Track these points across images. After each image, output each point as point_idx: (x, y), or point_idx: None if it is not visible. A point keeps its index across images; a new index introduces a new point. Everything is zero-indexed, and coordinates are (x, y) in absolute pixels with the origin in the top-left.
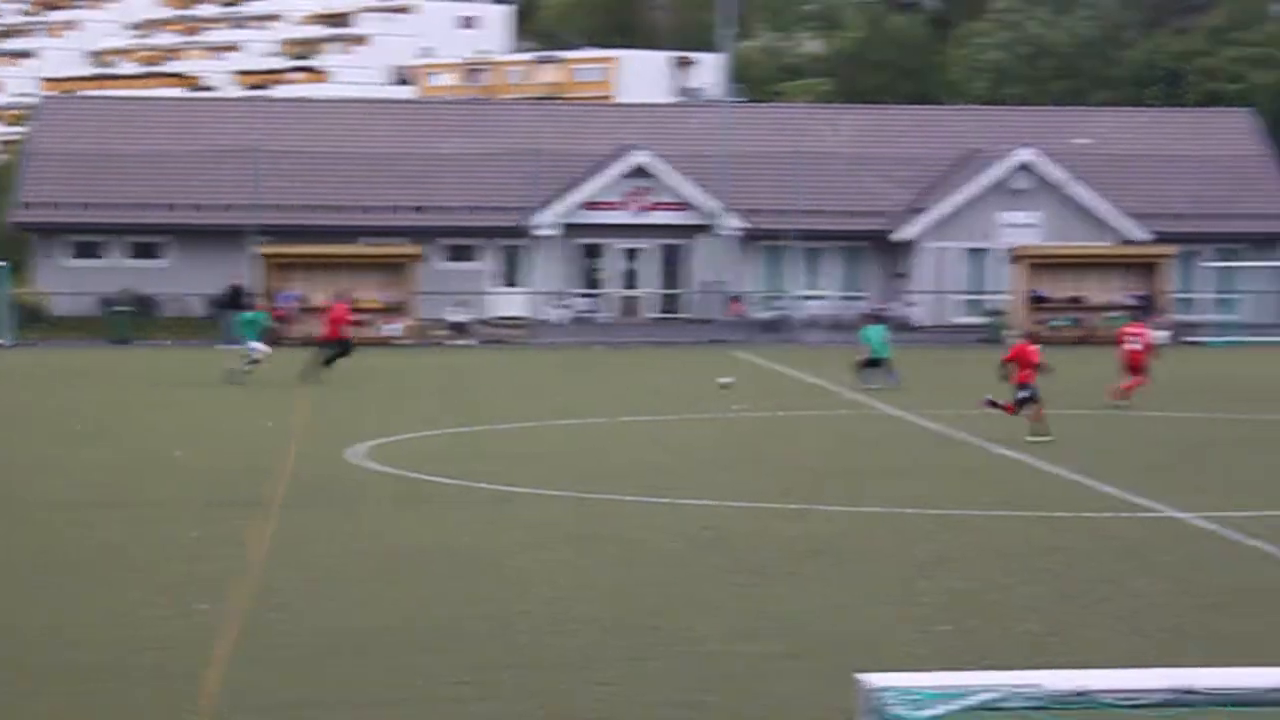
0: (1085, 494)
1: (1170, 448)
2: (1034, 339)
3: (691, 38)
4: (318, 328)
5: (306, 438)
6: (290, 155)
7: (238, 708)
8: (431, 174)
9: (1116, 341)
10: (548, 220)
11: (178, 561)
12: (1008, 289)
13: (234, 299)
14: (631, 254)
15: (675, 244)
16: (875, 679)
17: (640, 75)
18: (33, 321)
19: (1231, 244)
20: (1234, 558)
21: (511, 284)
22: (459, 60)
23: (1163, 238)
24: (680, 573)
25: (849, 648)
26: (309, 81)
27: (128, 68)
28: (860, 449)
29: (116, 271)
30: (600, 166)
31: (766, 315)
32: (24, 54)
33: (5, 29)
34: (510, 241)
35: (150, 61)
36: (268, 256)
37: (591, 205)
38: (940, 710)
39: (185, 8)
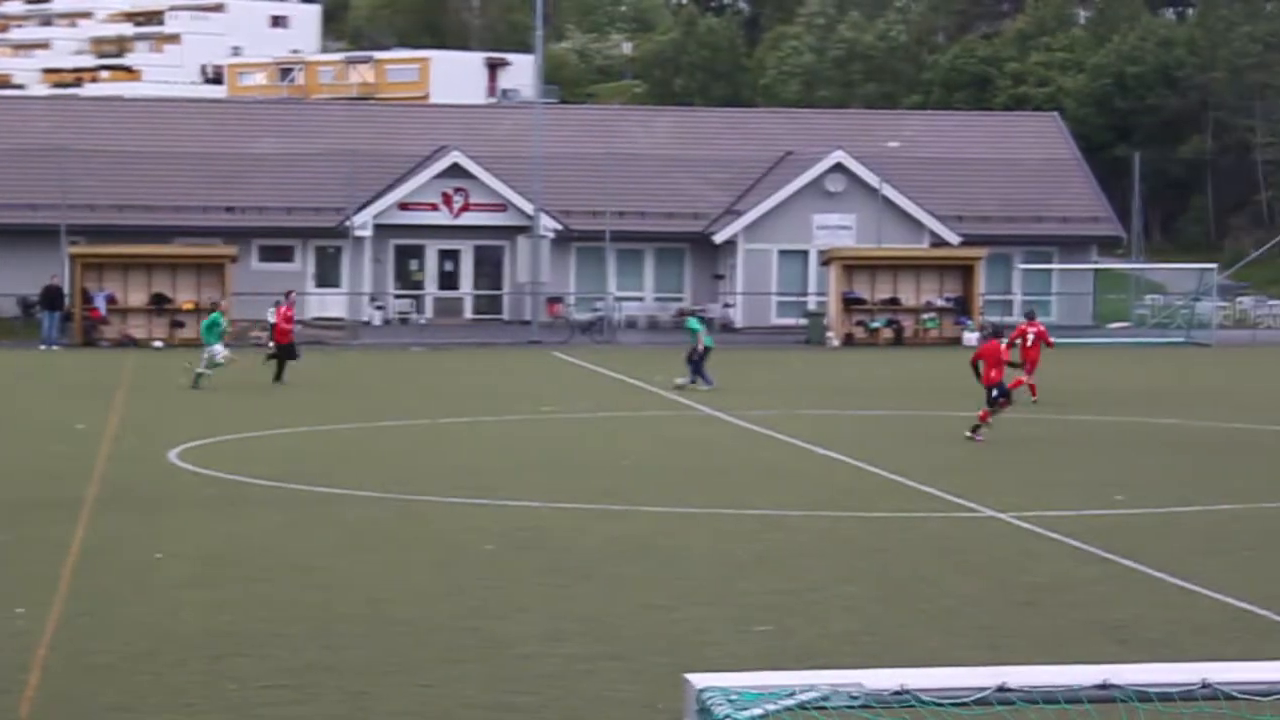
0: (904, 494)
1: (986, 448)
2: (999, 334)
3: (504, 38)
4: (127, 328)
5: (120, 440)
6: (100, 155)
7: (54, 714)
8: (246, 174)
9: (1012, 342)
10: (365, 221)
11: None
12: (825, 291)
13: (50, 299)
14: (449, 255)
15: (493, 245)
16: (698, 679)
17: (454, 76)
18: None
19: (1041, 246)
20: (1048, 556)
21: (327, 285)
22: (270, 60)
23: (973, 240)
24: (499, 574)
25: (669, 648)
26: (120, 80)
27: None
28: (680, 449)
29: None
30: (417, 167)
31: (585, 317)
32: None
33: None
34: (325, 242)
35: None
36: (79, 257)
37: (408, 206)
38: (762, 710)
39: None
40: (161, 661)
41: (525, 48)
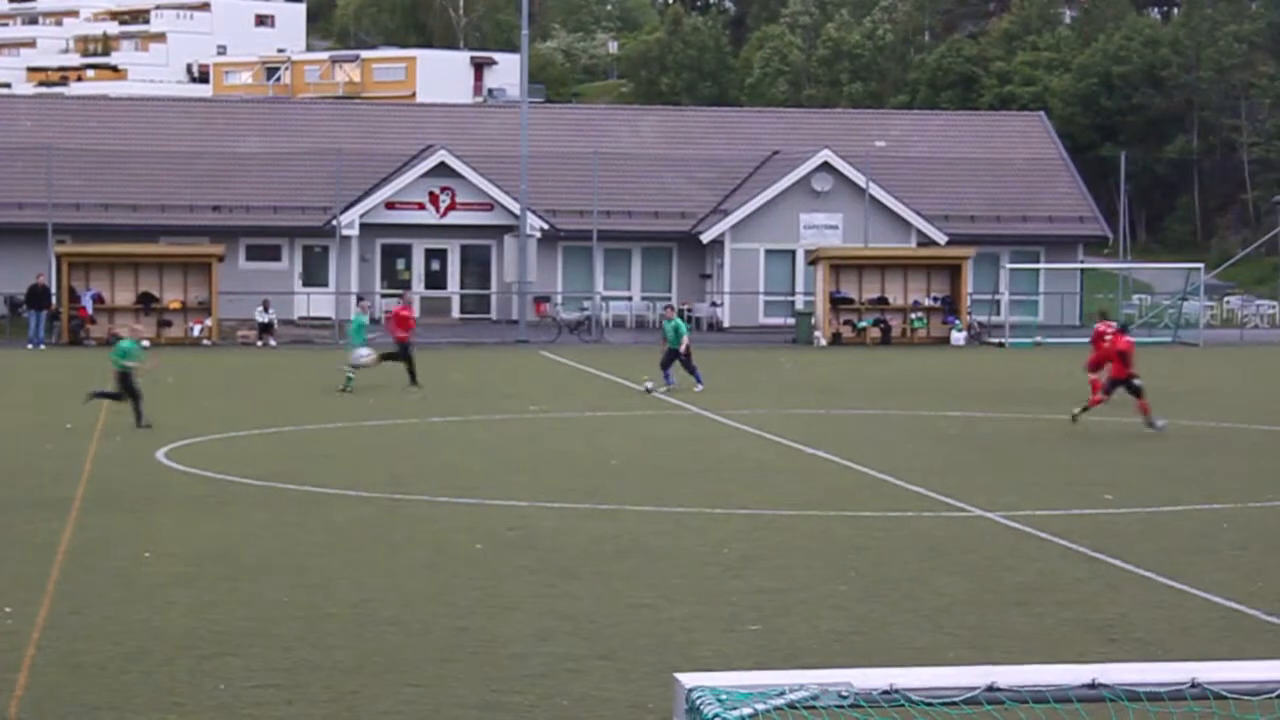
0: (893, 493)
1: (975, 447)
2: (1125, 330)
3: (489, 38)
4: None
5: (107, 439)
6: (86, 154)
7: (43, 713)
8: (232, 173)
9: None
10: (351, 220)
11: None
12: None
13: (36, 298)
14: (436, 254)
15: (480, 244)
16: (686, 678)
17: (440, 75)
18: None
19: (1028, 246)
20: (1037, 555)
21: (314, 284)
22: (256, 59)
23: (959, 240)
24: (488, 574)
25: (658, 647)
26: (105, 79)
27: None
28: (668, 448)
29: None
30: (403, 167)
31: (572, 316)
32: None
33: None
34: (312, 241)
35: None
36: (65, 256)
37: (394, 205)
38: (751, 709)
39: None
40: (150, 661)
41: (511, 47)
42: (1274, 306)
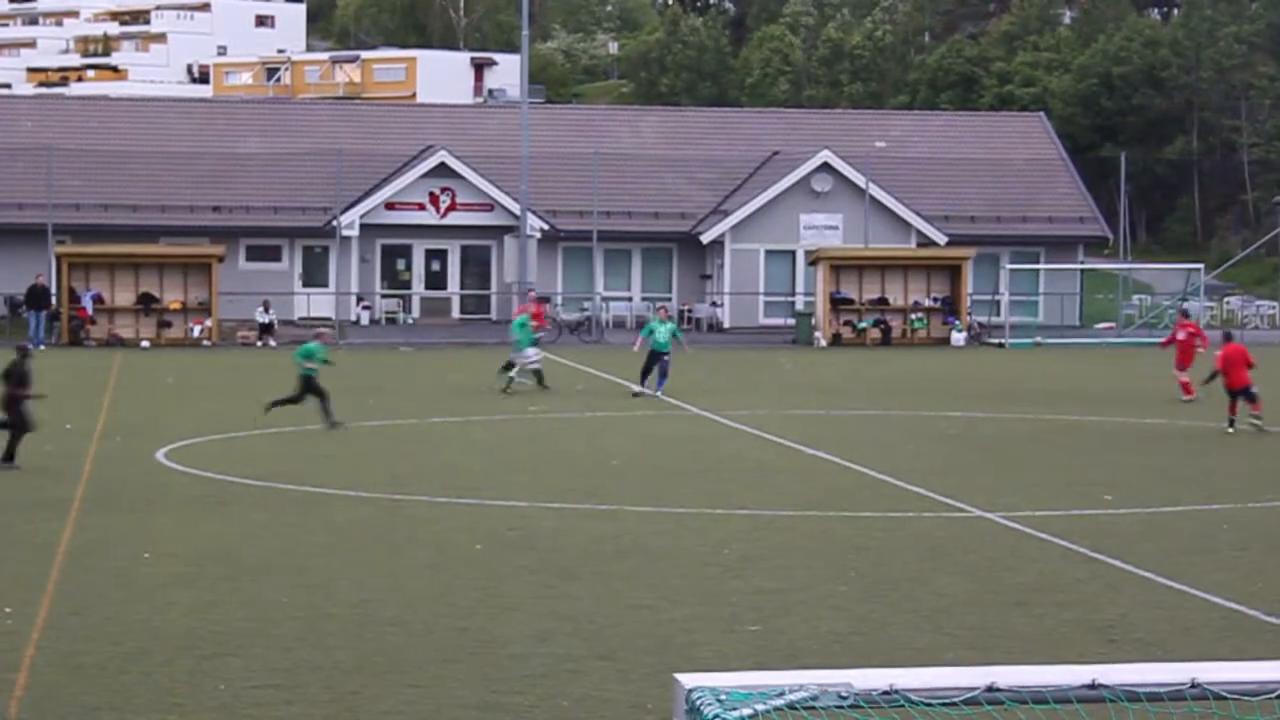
0: (892, 493)
1: (975, 448)
2: (1229, 337)
3: (490, 38)
4: (115, 328)
5: (107, 439)
6: (86, 154)
7: (43, 713)
8: (232, 174)
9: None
10: (351, 221)
11: None
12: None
13: (36, 299)
14: (436, 255)
15: (480, 245)
16: (686, 679)
17: (440, 76)
18: None
19: (1028, 246)
20: (1037, 556)
21: (314, 285)
22: (256, 59)
23: (959, 240)
24: (488, 574)
25: (658, 647)
26: (105, 79)
27: None
28: (668, 448)
29: None
30: (403, 167)
31: (572, 316)
32: None
33: None
34: (312, 242)
35: None
36: (65, 256)
37: (394, 205)
38: (751, 710)
39: None
40: (150, 661)
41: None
42: (1274, 307)
